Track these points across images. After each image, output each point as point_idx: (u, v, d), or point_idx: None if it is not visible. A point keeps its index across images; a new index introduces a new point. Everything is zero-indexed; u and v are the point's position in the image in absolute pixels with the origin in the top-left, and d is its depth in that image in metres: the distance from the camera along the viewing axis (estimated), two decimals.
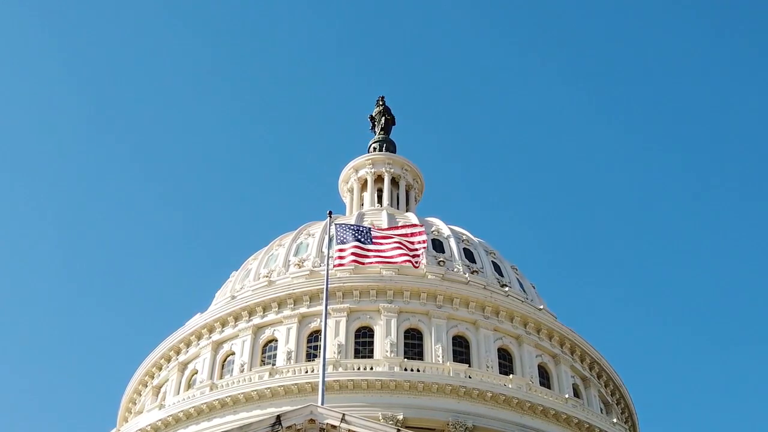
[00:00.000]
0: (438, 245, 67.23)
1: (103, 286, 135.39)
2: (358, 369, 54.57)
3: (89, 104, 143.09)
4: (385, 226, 60.18)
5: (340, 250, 45.46)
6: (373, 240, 45.69)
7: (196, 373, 61.95)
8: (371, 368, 54.65)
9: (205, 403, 54.90)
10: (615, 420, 59.63)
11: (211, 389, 55.96)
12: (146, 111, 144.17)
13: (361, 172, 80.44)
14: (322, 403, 38.84)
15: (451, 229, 69.79)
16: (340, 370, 54.29)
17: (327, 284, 44.79)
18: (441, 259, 65.67)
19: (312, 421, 36.74)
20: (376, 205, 77.48)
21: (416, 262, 46.74)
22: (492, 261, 68.99)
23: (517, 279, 69.49)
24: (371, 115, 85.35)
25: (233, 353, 61.08)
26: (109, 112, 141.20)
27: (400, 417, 51.95)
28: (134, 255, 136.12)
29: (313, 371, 53.72)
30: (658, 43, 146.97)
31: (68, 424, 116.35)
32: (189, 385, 61.70)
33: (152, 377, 65.37)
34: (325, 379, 42.09)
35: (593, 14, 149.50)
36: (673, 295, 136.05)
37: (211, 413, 54.71)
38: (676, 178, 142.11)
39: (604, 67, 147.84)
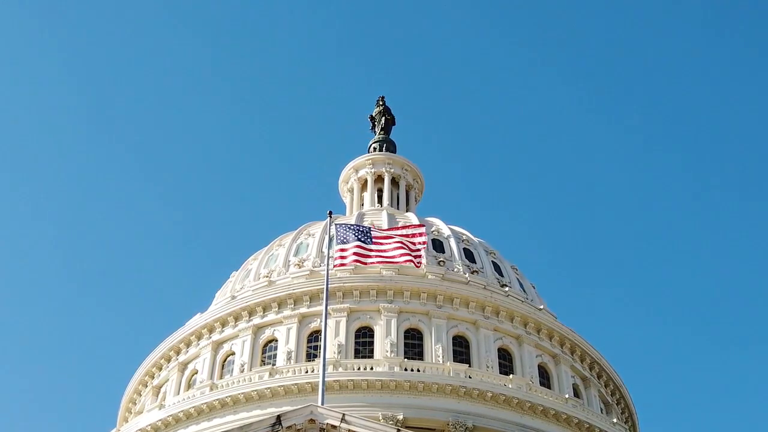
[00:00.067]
0: (438, 245, 67.24)
1: (103, 286, 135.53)
2: (358, 369, 54.57)
3: (89, 104, 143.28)
4: (386, 226, 60.31)
5: (342, 250, 45.44)
6: (374, 240, 45.70)
7: (196, 373, 61.96)
8: (371, 368, 54.65)
9: (205, 403, 54.91)
10: (615, 420, 59.64)
11: (212, 389, 55.97)
12: (146, 111, 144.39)
13: (361, 172, 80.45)
14: (322, 403, 38.85)
15: (451, 229, 69.80)
16: (340, 370, 54.30)
17: (327, 284, 44.79)
18: (441, 259, 65.68)
19: (312, 421, 36.75)
20: (376, 205, 77.49)
21: (418, 262, 46.76)
22: (492, 261, 68.99)
23: (517, 279, 69.50)
24: (371, 115, 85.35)
25: (233, 353, 61.09)
26: (109, 112, 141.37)
27: (400, 417, 51.96)
28: (134, 255, 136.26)
29: (313, 371, 53.73)
30: (658, 43, 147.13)
31: (68, 424, 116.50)
32: (189, 385, 61.71)
33: (152, 377, 65.38)
34: (325, 379, 42.09)
35: (593, 14, 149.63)
36: (673, 295, 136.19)
37: (211, 413, 54.72)
38: (676, 178, 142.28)
39: (604, 67, 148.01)
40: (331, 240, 47.47)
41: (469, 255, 67.74)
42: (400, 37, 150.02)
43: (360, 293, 60.40)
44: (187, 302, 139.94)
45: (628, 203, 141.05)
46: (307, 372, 54.27)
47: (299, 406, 38.73)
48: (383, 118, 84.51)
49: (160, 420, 56.02)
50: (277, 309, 61.16)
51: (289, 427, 36.66)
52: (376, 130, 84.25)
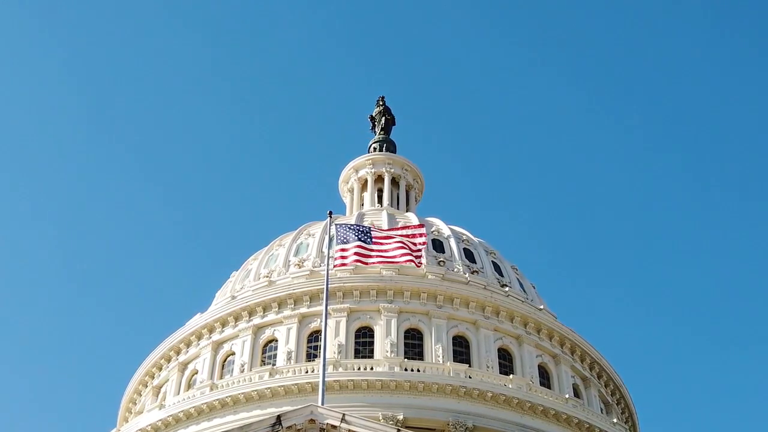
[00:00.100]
0: (438, 245, 67.24)
1: (103, 286, 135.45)
2: (359, 369, 54.57)
3: (89, 104, 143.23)
4: (386, 227, 60.38)
5: (343, 250, 45.45)
6: (374, 240, 45.72)
7: (197, 373, 61.96)
8: (371, 368, 54.65)
9: (205, 403, 54.91)
10: (615, 420, 59.64)
11: (212, 389, 55.97)
12: (146, 111, 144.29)
13: (362, 172, 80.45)
14: (323, 403, 38.85)
15: (451, 229, 69.81)
16: (341, 370, 54.30)
17: (327, 284, 44.78)
18: (441, 259, 65.68)
19: (312, 421, 36.74)
20: (377, 205, 77.49)
21: (418, 263, 46.78)
22: (492, 261, 69.00)
23: (517, 279, 69.51)
24: (371, 115, 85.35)
25: (233, 353, 61.09)
26: (109, 112, 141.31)
27: (401, 417, 51.96)
28: (134, 255, 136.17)
29: (313, 371, 53.73)
30: (658, 43, 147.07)
31: (68, 424, 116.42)
32: (189, 385, 61.71)
33: (152, 377, 65.38)
34: (325, 379, 42.09)
35: (593, 14, 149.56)
36: (673, 295, 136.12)
37: (212, 413, 54.72)
38: (676, 178, 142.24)
39: (604, 67, 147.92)
40: (331, 240, 47.47)
41: (469, 255, 67.75)
42: (400, 37, 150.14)
43: (360, 293, 60.41)
44: (187, 302, 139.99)
45: (628, 203, 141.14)
46: (307, 372, 54.27)
47: (299, 406, 38.74)
48: (383, 118, 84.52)
49: (160, 420, 56.02)
50: (277, 309, 61.17)
51: (289, 427, 36.66)
52: (376, 130, 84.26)
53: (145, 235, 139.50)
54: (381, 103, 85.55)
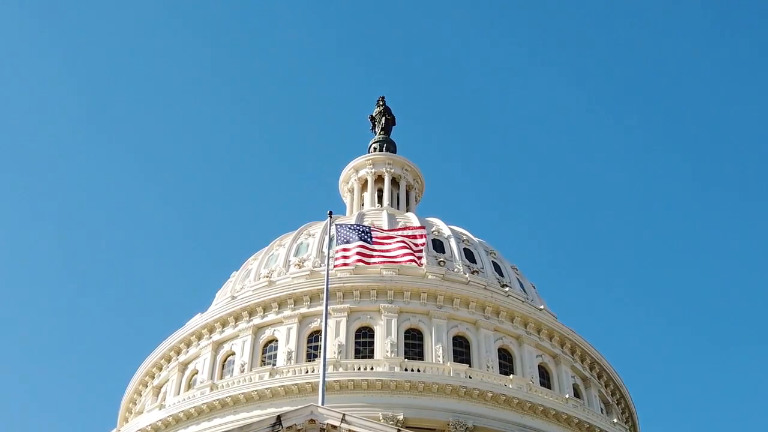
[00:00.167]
0: (438, 245, 67.23)
1: (103, 286, 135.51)
2: (359, 369, 54.56)
3: (89, 104, 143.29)
4: (386, 227, 60.37)
5: (344, 250, 45.45)
6: (375, 240, 45.73)
7: (197, 373, 61.95)
8: (371, 368, 54.64)
9: (205, 403, 54.90)
10: (615, 420, 59.62)
11: (212, 389, 55.96)
12: (146, 111, 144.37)
13: (362, 173, 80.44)
14: (323, 404, 38.84)
15: (451, 229, 69.80)
16: (341, 370, 54.29)
17: (327, 284, 44.77)
18: (441, 259, 65.67)
19: (312, 421, 36.73)
20: (377, 205, 77.48)
21: (420, 263, 46.82)
22: (492, 261, 68.98)
23: (518, 279, 69.50)
24: (371, 115, 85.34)
25: (233, 353, 61.08)
26: (109, 112, 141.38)
27: (401, 417, 51.94)
28: (134, 255, 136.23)
29: (313, 371, 53.72)
30: (658, 43, 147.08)
31: (68, 424, 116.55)
32: (189, 386, 61.70)
33: (152, 377, 65.37)
34: (326, 380, 42.07)
35: (593, 14, 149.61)
36: (673, 295, 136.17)
37: (212, 413, 54.71)
38: (676, 178, 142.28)
39: (604, 67, 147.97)
40: (331, 240, 47.48)
41: (469, 255, 67.74)
42: (400, 37, 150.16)
43: (360, 293, 60.40)
44: (187, 302, 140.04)
45: (628, 203, 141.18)
46: (307, 372, 54.26)
47: (299, 407, 38.72)
48: (383, 118, 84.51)
49: (160, 420, 56.01)
50: (277, 309, 61.16)
51: (289, 428, 36.64)
52: (377, 130, 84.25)
53: (145, 236, 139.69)
54: (381, 103, 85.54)
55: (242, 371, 58.51)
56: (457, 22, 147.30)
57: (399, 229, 48.81)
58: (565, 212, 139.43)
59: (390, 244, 45.76)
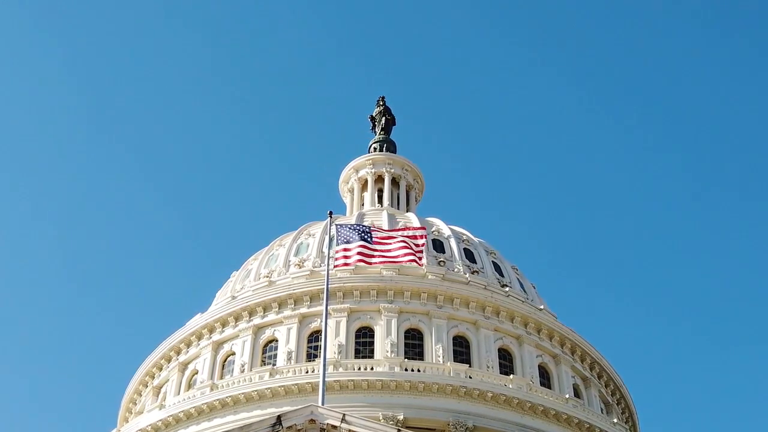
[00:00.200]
0: (438, 245, 67.24)
1: (103, 286, 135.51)
2: (359, 369, 54.56)
3: (89, 104, 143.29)
4: (386, 227, 60.38)
5: (345, 250, 45.47)
6: (375, 240, 45.76)
7: (197, 373, 61.95)
8: (372, 368, 54.64)
9: (205, 403, 54.90)
10: (615, 420, 59.62)
11: (212, 389, 55.96)
12: (146, 111, 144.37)
13: (362, 173, 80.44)
14: (323, 404, 38.84)
15: (451, 229, 69.80)
16: (341, 370, 54.29)
17: (327, 284, 44.78)
18: (441, 259, 65.68)
19: (312, 421, 36.74)
20: (377, 205, 77.48)
21: (420, 262, 46.84)
22: (492, 261, 68.99)
23: (518, 279, 69.50)
24: (371, 115, 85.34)
25: (234, 353, 61.08)
26: (109, 112, 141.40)
27: (401, 417, 51.94)
28: (134, 255, 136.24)
29: (313, 371, 53.72)
30: (658, 43, 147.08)
31: (68, 424, 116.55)
32: (189, 386, 61.70)
33: (153, 377, 65.37)
34: (326, 380, 42.08)
35: (593, 14, 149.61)
36: (673, 295, 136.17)
37: (212, 413, 54.71)
38: (676, 178, 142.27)
39: (604, 67, 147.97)
40: (331, 240, 47.49)
41: (469, 255, 67.74)
42: (400, 37, 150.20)
43: (360, 293, 60.40)
44: (187, 302, 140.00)
45: (628, 203, 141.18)
46: (307, 372, 54.26)
47: (299, 407, 38.74)
48: (383, 118, 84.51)
49: (160, 420, 56.01)
50: (277, 309, 61.16)
51: (289, 428, 36.65)
52: (377, 130, 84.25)
53: (145, 236, 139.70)
54: (381, 103, 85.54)
55: (242, 371, 58.51)
56: (457, 22, 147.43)
57: (399, 229, 48.85)
58: (565, 212, 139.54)
59: (391, 244, 45.79)
